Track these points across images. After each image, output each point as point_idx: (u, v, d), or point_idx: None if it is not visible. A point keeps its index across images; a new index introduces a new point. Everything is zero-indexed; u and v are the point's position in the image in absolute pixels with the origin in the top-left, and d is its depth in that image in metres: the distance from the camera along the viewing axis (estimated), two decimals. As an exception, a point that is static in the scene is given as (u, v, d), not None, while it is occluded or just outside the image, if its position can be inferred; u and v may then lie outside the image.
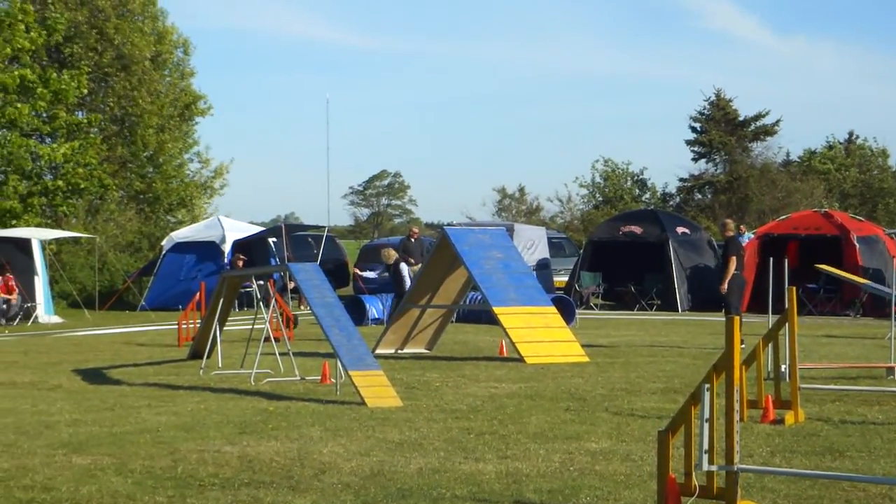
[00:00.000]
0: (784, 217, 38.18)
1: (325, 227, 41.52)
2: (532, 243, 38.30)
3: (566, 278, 38.52)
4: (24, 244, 33.94)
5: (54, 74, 42.73)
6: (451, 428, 12.89)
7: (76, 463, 11.02)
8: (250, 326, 19.85)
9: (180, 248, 38.04)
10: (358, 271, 40.78)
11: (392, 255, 26.05)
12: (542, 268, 37.30)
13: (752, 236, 35.18)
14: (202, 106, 49.67)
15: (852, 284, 27.72)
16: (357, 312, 28.04)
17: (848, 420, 13.25)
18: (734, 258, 22.17)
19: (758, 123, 63.82)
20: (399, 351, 21.95)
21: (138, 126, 45.80)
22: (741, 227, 36.86)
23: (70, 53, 44.80)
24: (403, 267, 25.70)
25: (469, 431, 12.63)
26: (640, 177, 67.38)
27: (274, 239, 38.43)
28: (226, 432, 12.72)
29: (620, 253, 36.97)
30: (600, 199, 66.13)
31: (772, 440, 11.96)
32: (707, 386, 8.61)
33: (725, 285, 22.04)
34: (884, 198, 60.91)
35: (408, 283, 24.83)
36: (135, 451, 11.59)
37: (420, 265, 28.23)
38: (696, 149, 64.05)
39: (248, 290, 32.02)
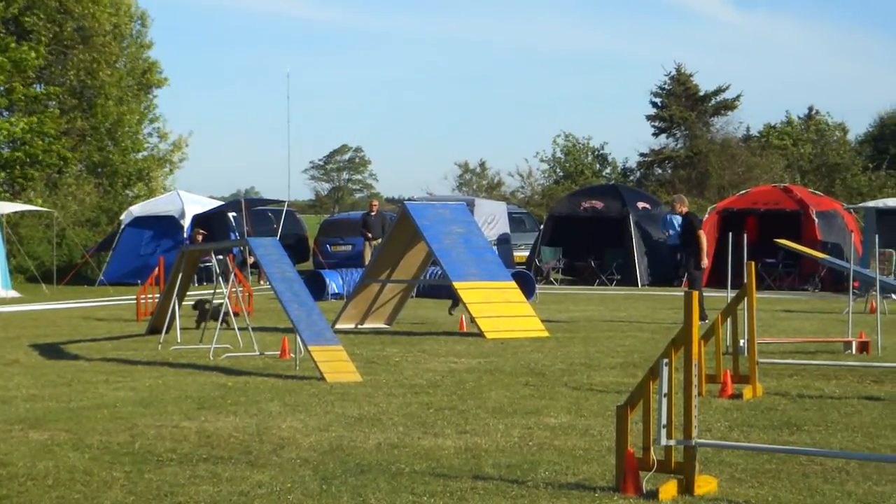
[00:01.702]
0: (743, 192, 38.33)
1: (285, 201, 41.36)
2: (493, 218, 38.31)
3: (526, 253, 38.60)
4: (-20, 218, 33.69)
5: (13, 44, 42.42)
6: (411, 403, 12.89)
7: (33, 438, 10.95)
8: (210, 301, 19.77)
9: (139, 222, 37.85)
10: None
11: None
12: (503, 243, 37.36)
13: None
14: (159, 76, 49.38)
15: (811, 259, 27.87)
16: (317, 287, 27.99)
17: (805, 394, 13.32)
18: (702, 233, 22.34)
19: (718, 98, 64.02)
20: (359, 326, 21.92)
21: (97, 98, 45.49)
22: (676, 203, 36.58)
23: (29, 24, 44.44)
24: None
25: (428, 406, 12.63)
26: (601, 152, 67.52)
27: (233, 213, 38.30)
28: (184, 408, 12.67)
29: (581, 228, 37.04)
30: (561, 173, 66.19)
31: (730, 415, 12.01)
32: (665, 361, 8.62)
33: (706, 259, 22.21)
34: (841, 172, 61.19)
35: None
36: (92, 426, 11.53)
37: (379, 239, 28.24)
38: (656, 124, 64.20)
39: (208, 264, 31.92)
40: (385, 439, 10.79)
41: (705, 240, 22.30)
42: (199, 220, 36.33)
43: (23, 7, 43.96)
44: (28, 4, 44.27)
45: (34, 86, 45.25)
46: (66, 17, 44.77)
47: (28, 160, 42.63)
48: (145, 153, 49.29)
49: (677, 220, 34.54)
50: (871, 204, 34.68)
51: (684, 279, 22.71)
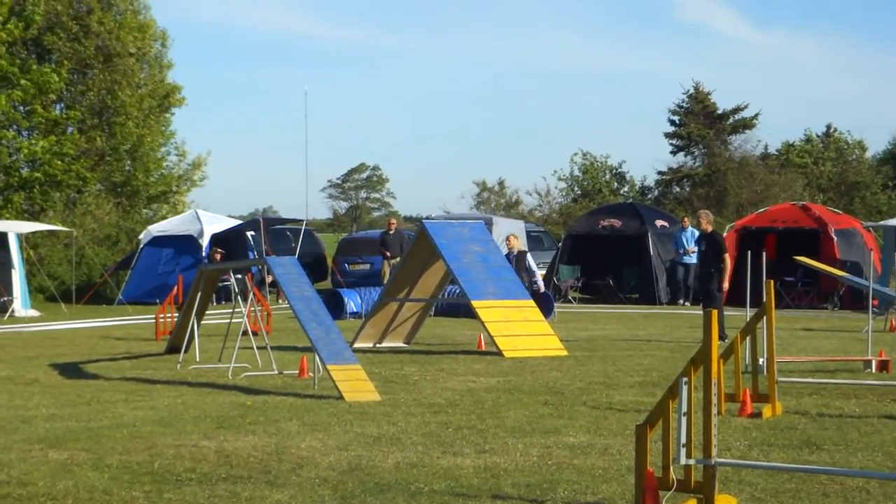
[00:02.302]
0: (762, 210, 38.26)
1: (303, 220, 41.41)
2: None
3: (544, 272, 38.54)
4: (0, 238, 33.79)
5: (34, 66, 42.64)
6: (429, 422, 12.88)
7: (52, 458, 10.97)
8: (228, 320, 19.80)
9: (158, 241, 37.93)
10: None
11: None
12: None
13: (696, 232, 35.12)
14: (178, 97, 49.53)
15: (830, 277, 27.82)
16: (335, 306, 28.02)
17: (825, 413, 13.28)
18: (727, 255, 22.07)
19: (736, 116, 63.92)
20: (377, 345, 21.92)
21: (117, 118, 45.63)
22: (685, 219, 36.64)
23: (49, 45, 44.63)
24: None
25: (447, 426, 12.62)
26: (619, 170, 67.46)
27: (252, 232, 38.36)
28: (203, 427, 12.68)
29: (599, 246, 36.99)
30: (579, 192, 66.16)
31: (749, 434, 11.98)
32: (685, 379, 8.61)
33: (727, 283, 21.97)
34: (860, 190, 61.04)
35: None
36: (111, 445, 11.54)
37: (398, 258, 28.27)
38: (674, 142, 64.12)
39: (226, 283, 31.97)
40: (404, 458, 10.78)
41: (729, 263, 22.09)
42: (217, 239, 36.39)
43: (43, 28, 44.18)
44: (49, 25, 44.48)
45: (54, 106, 45.47)
46: (88, 36, 44.95)
47: (47, 180, 42.78)
48: (165, 172, 49.40)
49: (686, 235, 34.68)
50: (891, 222, 34.57)
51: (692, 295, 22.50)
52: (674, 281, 35.32)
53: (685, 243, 34.72)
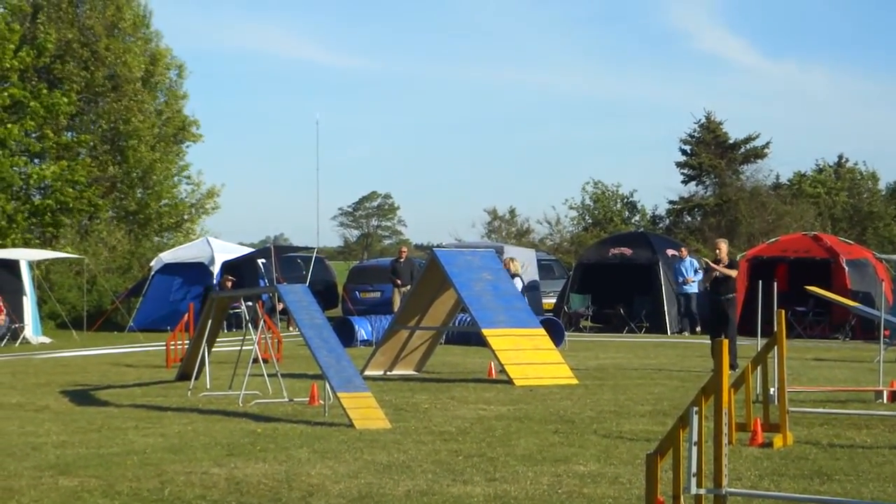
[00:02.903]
0: (773, 240, 38.23)
1: (314, 248, 41.49)
2: (522, 265, 38.26)
3: (555, 300, 38.53)
4: (12, 265, 33.89)
5: (45, 90, 42.83)
6: (440, 450, 12.87)
7: (63, 485, 10.98)
8: (239, 348, 19.82)
9: (169, 269, 37.99)
10: None
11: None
12: (532, 289, 37.30)
13: (695, 262, 35.16)
14: (195, 132, 49.68)
15: (841, 307, 27.74)
16: (346, 334, 28.01)
17: (836, 443, 13.25)
18: (735, 272, 22.31)
19: (748, 146, 63.90)
20: (388, 373, 21.92)
21: (130, 142, 45.76)
22: (682, 249, 36.66)
23: (60, 72, 44.82)
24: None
25: (457, 454, 12.61)
26: (630, 199, 67.43)
27: (263, 260, 38.38)
28: (213, 454, 12.69)
29: (610, 275, 36.96)
30: (590, 221, 66.14)
31: (760, 463, 11.96)
32: (695, 409, 8.60)
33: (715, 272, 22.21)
34: (873, 221, 61.00)
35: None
36: (122, 472, 11.55)
37: (409, 286, 28.27)
38: (685, 171, 64.10)
39: (237, 311, 31.99)
40: (414, 486, 10.78)
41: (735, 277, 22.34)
42: (228, 266, 36.42)
43: (54, 56, 44.36)
44: (59, 53, 44.67)
45: (65, 133, 45.62)
46: (97, 64, 45.14)
47: (58, 207, 42.92)
48: (177, 200, 49.47)
49: (685, 265, 34.78)
50: None
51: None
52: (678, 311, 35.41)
53: (684, 273, 34.83)
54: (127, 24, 46.76)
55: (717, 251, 22.66)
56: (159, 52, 48.16)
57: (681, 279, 34.93)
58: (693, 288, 34.77)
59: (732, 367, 18.90)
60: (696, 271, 34.40)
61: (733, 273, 22.36)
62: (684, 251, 36.12)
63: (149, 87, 47.35)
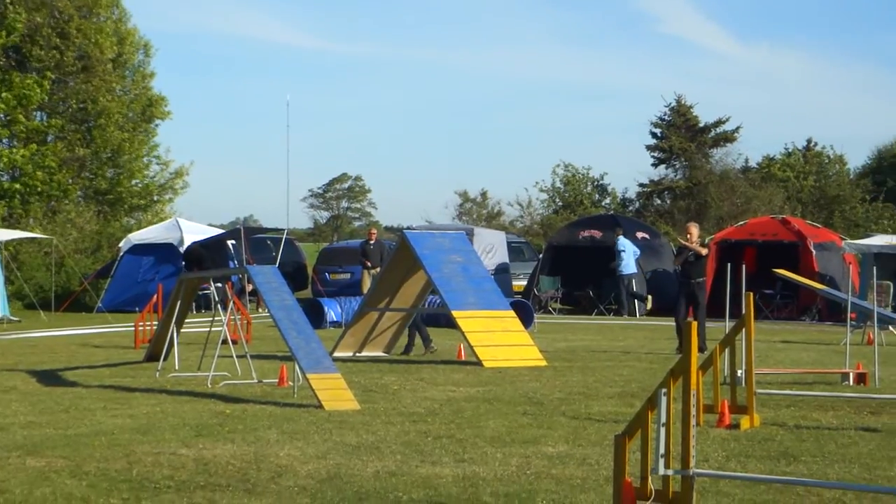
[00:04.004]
0: (742, 223, 38.39)
1: (284, 229, 41.40)
2: (491, 247, 38.31)
3: (525, 282, 38.58)
4: (-21, 244, 33.74)
5: (17, 78, 42.58)
6: (409, 431, 12.89)
7: (30, 465, 10.95)
8: (208, 329, 19.78)
9: (138, 249, 37.87)
10: None
11: None
12: (501, 272, 37.34)
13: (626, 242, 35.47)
14: (163, 109, 49.48)
15: (809, 290, 27.89)
16: (315, 315, 27.98)
17: (803, 425, 13.33)
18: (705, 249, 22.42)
19: (718, 130, 64.03)
20: (357, 354, 21.92)
21: (98, 122, 45.54)
22: (617, 229, 36.73)
23: (29, 53, 44.55)
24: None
25: (426, 435, 12.63)
26: (601, 182, 67.52)
27: (233, 241, 38.30)
28: (182, 435, 12.67)
29: (579, 257, 37.03)
30: (560, 203, 66.19)
31: (727, 445, 12.02)
32: (664, 390, 8.64)
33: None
34: (840, 205, 61.26)
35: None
36: (90, 453, 11.52)
37: (378, 268, 28.25)
38: (656, 154, 64.20)
39: (206, 292, 31.90)
40: (383, 467, 10.79)
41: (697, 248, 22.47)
42: (190, 252, 35.80)
43: (24, 35, 44.07)
44: (29, 33, 44.38)
45: (35, 115, 45.38)
46: (67, 44, 44.87)
47: (27, 191, 42.74)
48: (146, 180, 49.29)
49: (621, 245, 35.04)
50: (866, 242, 34.69)
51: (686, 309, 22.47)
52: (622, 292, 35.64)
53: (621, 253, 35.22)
54: (100, 6, 46.48)
55: (688, 235, 22.72)
56: (127, 32, 47.95)
57: (623, 258, 35.16)
58: (630, 269, 35.04)
59: (701, 349, 18.98)
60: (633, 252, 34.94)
61: (704, 251, 22.46)
62: (619, 230, 36.20)
63: (117, 66, 47.13)
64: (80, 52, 45.32)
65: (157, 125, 49.52)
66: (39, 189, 42.89)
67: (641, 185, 64.66)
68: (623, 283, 35.30)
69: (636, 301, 35.42)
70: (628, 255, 35.10)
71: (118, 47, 46.88)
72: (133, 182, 47.67)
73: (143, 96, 48.37)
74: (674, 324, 22.67)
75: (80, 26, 45.19)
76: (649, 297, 35.09)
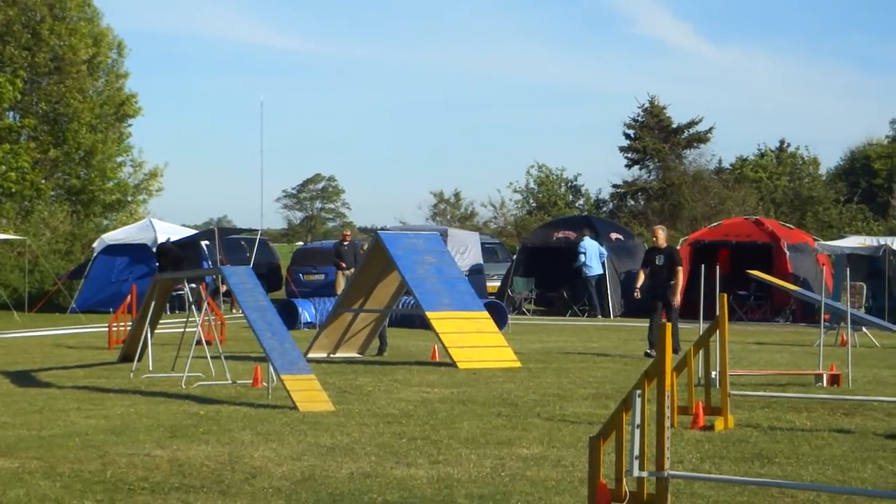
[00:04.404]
0: (715, 224, 38.49)
1: (258, 230, 41.35)
2: (465, 248, 38.32)
3: (499, 283, 38.59)
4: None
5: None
6: (383, 433, 12.88)
7: (3, 466, 10.91)
8: (182, 330, 19.74)
9: (112, 250, 37.76)
10: None
11: None
12: (475, 273, 37.35)
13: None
14: (134, 106, 49.40)
15: (782, 291, 27.98)
16: (289, 316, 27.95)
17: (777, 426, 13.37)
18: (681, 269, 22.23)
19: (691, 131, 64.17)
20: (331, 355, 21.91)
21: (70, 124, 45.41)
22: (584, 229, 36.85)
23: (1, 53, 44.36)
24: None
25: (401, 436, 12.63)
26: (574, 183, 67.59)
27: (206, 242, 38.21)
28: (156, 436, 12.64)
29: (553, 259, 37.04)
30: (534, 204, 66.25)
31: (702, 446, 12.05)
32: (638, 392, 8.65)
33: (679, 297, 22.16)
34: (813, 205, 61.49)
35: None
36: (63, 454, 11.49)
37: (352, 269, 28.20)
38: (629, 155, 64.30)
39: (180, 293, 31.83)
40: (357, 469, 10.79)
41: (682, 277, 22.28)
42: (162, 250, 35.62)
43: (-2, 35, 43.95)
44: (1, 32, 44.18)
45: (7, 114, 45.21)
46: (41, 45, 44.69)
47: (0, 192, 42.62)
48: (119, 180, 49.19)
49: (582, 247, 35.17)
50: (839, 243, 34.80)
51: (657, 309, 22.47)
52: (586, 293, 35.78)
53: (584, 255, 35.39)
54: (72, 4, 46.32)
55: (655, 238, 22.74)
56: (101, 32, 47.81)
57: (582, 260, 35.30)
58: (594, 271, 35.22)
59: (675, 350, 19.01)
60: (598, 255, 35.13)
61: (681, 277, 22.31)
62: (586, 231, 36.31)
63: (91, 68, 47.01)
64: (54, 54, 45.15)
65: (129, 125, 49.43)
66: (13, 190, 42.73)
67: (615, 185, 64.78)
68: (591, 284, 35.45)
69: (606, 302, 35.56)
70: (592, 257, 35.28)
71: (93, 49, 46.74)
72: (108, 183, 47.55)
73: (115, 97, 48.24)
74: (647, 326, 22.66)
75: (53, 27, 45.03)
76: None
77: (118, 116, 48.56)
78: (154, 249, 36.02)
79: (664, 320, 20.90)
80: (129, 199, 49.62)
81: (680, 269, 22.16)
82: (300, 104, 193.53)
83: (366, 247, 26.33)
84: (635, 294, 23.27)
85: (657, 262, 22.18)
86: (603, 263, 35.55)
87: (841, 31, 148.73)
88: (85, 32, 46.28)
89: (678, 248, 32.92)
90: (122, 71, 49.34)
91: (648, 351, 21.61)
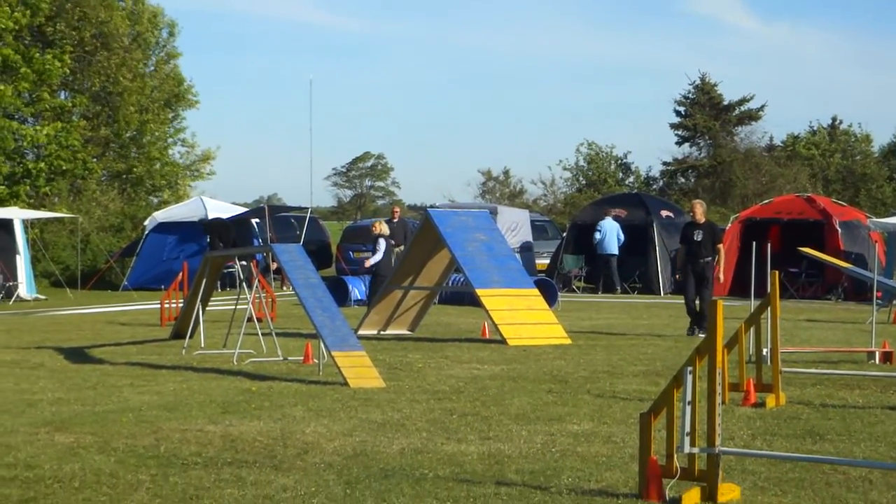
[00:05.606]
0: (767, 201, 38.28)
1: (308, 208, 41.45)
2: (515, 226, 38.31)
3: (548, 261, 38.57)
4: (5, 223, 33.89)
5: (37, 54, 42.69)
6: (434, 409, 12.92)
7: (59, 441, 11.02)
8: (233, 307, 19.84)
9: (163, 228, 37.98)
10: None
11: (378, 227, 25.48)
12: (525, 250, 37.35)
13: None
14: (190, 98, 49.70)
15: (834, 269, 27.81)
16: (339, 293, 28.04)
17: (828, 404, 13.31)
18: (721, 247, 22.16)
19: (742, 108, 63.93)
20: (381, 332, 21.96)
21: (120, 105, 45.69)
22: (606, 209, 37.08)
23: (52, 33, 44.65)
24: (382, 242, 24.91)
25: (451, 412, 12.66)
26: (624, 160, 67.46)
27: (257, 220, 38.36)
28: (208, 412, 12.73)
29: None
30: (584, 182, 66.17)
31: (753, 423, 12.01)
32: (689, 369, 8.64)
33: (722, 273, 22.09)
34: (866, 183, 61.06)
35: (379, 257, 24.40)
36: (117, 429, 11.59)
37: (402, 246, 28.22)
38: (680, 133, 64.13)
39: (232, 270, 31.99)
40: (408, 445, 10.83)
41: (723, 253, 22.20)
42: (210, 225, 35.60)
43: (48, 15, 44.15)
44: (52, 13, 44.44)
45: (59, 93, 45.51)
46: (85, 23, 44.94)
47: (51, 171, 42.91)
48: (170, 161, 49.51)
49: (599, 225, 35.25)
50: (892, 220, 34.49)
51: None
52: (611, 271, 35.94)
53: (603, 233, 35.57)
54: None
55: (692, 213, 22.42)
56: (145, 10, 48.02)
57: (598, 237, 35.51)
58: (611, 249, 35.37)
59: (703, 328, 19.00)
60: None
61: (723, 255, 22.31)
62: (609, 210, 36.45)
63: (137, 45, 47.22)
64: (99, 30, 45.38)
65: (183, 116, 49.82)
66: (64, 168, 43.03)
67: (665, 163, 64.65)
68: (611, 263, 35.72)
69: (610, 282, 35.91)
70: (609, 235, 35.44)
71: (137, 26, 46.96)
72: (156, 165, 47.87)
73: (169, 81, 48.45)
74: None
75: (96, 4, 45.24)
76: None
77: (170, 103, 48.80)
78: (202, 225, 36.16)
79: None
80: (179, 179, 49.89)
81: (721, 246, 22.06)
82: (349, 82, 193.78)
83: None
84: (676, 276, 23.16)
85: (695, 238, 21.88)
86: (619, 246, 35.82)
87: (892, 6, 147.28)
88: (126, 10, 46.48)
89: (726, 227, 32.93)
90: (173, 51, 49.58)
91: (694, 329, 21.47)
